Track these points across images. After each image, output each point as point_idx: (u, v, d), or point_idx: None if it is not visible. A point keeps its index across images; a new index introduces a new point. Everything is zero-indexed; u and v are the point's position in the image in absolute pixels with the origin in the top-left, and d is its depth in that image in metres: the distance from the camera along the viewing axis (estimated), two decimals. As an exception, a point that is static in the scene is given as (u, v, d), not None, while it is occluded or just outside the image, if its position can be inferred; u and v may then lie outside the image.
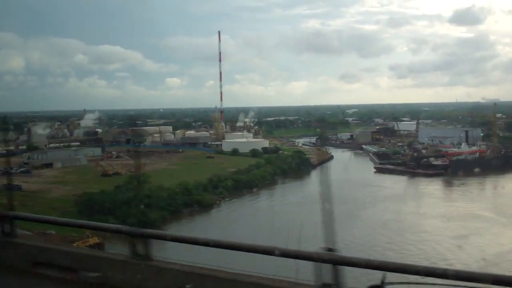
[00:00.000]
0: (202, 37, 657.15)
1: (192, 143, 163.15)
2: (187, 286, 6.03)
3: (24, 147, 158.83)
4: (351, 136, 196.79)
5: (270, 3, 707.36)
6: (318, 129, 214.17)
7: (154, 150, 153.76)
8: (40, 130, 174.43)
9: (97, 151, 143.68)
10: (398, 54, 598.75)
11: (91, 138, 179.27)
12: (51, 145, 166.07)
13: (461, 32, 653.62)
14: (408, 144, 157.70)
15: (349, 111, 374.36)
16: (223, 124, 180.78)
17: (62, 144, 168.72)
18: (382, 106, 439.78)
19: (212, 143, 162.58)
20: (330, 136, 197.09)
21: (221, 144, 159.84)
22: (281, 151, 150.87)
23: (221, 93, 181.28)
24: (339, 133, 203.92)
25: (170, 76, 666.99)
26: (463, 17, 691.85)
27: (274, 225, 64.61)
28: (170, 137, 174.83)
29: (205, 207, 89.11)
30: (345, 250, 5.32)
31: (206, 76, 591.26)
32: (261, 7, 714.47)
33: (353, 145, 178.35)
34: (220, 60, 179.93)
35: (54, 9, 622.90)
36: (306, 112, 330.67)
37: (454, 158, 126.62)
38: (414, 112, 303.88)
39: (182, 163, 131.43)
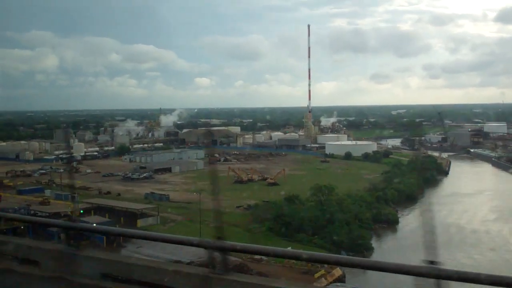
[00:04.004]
0: (233, 37, 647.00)
1: (289, 145, 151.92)
2: None
3: (112, 148, 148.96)
4: (444, 138, 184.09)
5: (297, 2, 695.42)
6: (402, 131, 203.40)
7: (252, 152, 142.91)
8: (121, 131, 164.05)
9: (200, 153, 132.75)
10: (435, 53, 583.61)
11: (172, 139, 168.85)
12: (134, 146, 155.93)
13: (504, 32, 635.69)
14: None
15: (394, 112, 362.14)
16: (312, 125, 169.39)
17: (145, 145, 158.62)
18: (413, 107, 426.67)
19: (311, 145, 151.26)
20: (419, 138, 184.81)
21: (318, 147, 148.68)
22: (391, 155, 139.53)
23: (309, 91, 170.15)
24: (429, 135, 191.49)
25: (201, 76, 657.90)
26: (508, 16, 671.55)
27: None
28: (260, 138, 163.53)
29: (392, 223, 77.46)
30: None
31: (236, 76, 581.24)
32: (288, 6, 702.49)
33: (457, 148, 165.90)
34: (309, 56, 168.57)
35: (91, 7, 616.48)
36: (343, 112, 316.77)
37: None
38: (451, 113, 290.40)
39: (300, 168, 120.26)
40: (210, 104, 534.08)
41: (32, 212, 67.51)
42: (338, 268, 52.98)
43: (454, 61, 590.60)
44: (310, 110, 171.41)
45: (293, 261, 52.19)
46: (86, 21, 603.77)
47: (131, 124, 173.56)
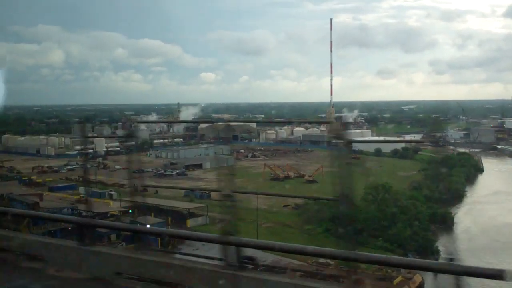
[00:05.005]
0: (238, 32, 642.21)
1: (314, 141, 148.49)
2: None
3: (132, 143, 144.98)
4: (466, 134, 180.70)
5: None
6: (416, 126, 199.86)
7: (277, 148, 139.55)
8: (141, 126, 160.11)
9: (226, 149, 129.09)
10: (441, 49, 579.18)
11: (192, 134, 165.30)
12: (154, 141, 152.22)
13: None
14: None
15: (406, 108, 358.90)
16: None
17: (165, 140, 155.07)
18: (422, 103, 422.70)
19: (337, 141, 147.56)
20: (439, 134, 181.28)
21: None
22: (420, 152, 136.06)
23: (331, 86, 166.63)
24: (448, 131, 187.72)
25: (207, 71, 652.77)
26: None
27: None
28: (283, 134, 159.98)
29: (448, 223, 74.04)
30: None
31: (241, 71, 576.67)
32: (292, 2, 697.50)
33: (481, 144, 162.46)
34: (331, 50, 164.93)
35: (99, 2, 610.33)
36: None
37: None
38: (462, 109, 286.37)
39: (334, 165, 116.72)
40: (214, 99, 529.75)
41: (78, 212, 63.78)
42: (418, 274, 49.71)
43: (461, 57, 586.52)
44: (332, 105, 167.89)
45: (364, 264, 49.06)
46: (93, 15, 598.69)
47: (150, 119, 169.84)
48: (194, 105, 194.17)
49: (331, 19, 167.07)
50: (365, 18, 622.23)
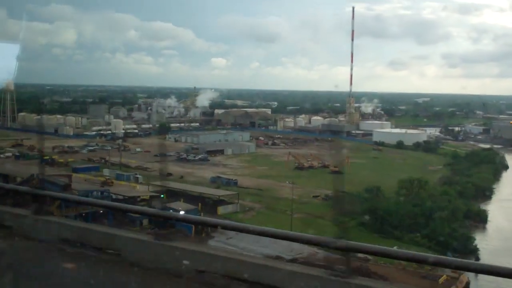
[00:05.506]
0: (251, 17, 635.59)
1: (333, 131, 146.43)
2: None
3: (149, 126, 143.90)
4: (485, 129, 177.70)
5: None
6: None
7: (296, 137, 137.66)
8: (158, 108, 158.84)
9: (246, 136, 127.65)
10: (455, 42, 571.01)
11: (208, 119, 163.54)
12: (171, 124, 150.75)
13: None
14: None
15: (420, 101, 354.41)
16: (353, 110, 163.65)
17: (182, 124, 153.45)
18: (435, 96, 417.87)
19: (357, 132, 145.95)
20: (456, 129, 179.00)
21: (364, 133, 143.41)
22: (442, 146, 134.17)
23: (351, 75, 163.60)
24: (466, 126, 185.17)
25: (218, 56, 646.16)
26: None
27: None
28: (301, 123, 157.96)
29: (482, 220, 72.22)
30: None
31: (252, 57, 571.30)
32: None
33: (502, 140, 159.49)
34: (352, 39, 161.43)
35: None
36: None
37: None
38: (474, 104, 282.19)
39: (356, 155, 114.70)
40: (224, 84, 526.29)
41: (112, 196, 62.40)
42: (464, 274, 48.04)
43: (475, 51, 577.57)
44: (351, 95, 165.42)
45: (404, 262, 47.48)
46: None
47: (168, 102, 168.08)
48: (215, 90, 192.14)
49: (353, 8, 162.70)
50: (379, 8, 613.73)
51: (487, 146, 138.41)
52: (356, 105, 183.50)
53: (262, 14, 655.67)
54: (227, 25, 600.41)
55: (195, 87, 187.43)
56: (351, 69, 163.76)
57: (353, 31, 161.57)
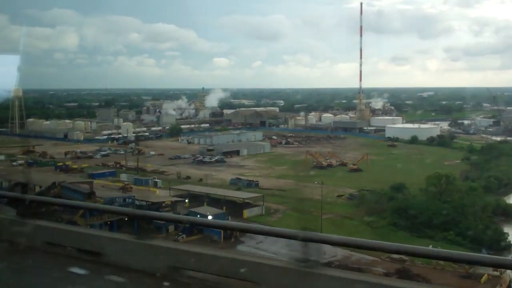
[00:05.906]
0: (252, 16, 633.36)
1: (345, 128, 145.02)
2: None
3: (159, 128, 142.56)
4: (496, 122, 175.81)
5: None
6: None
7: (309, 135, 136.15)
8: (168, 111, 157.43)
9: (258, 135, 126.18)
10: (457, 36, 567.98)
11: (218, 120, 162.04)
12: (181, 126, 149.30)
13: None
14: None
15: (425, 95, 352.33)
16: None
17: (192, 126, 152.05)
18: (439, 89, 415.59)
19: (369, 128, 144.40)
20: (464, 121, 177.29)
21: (376, 129, 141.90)
22: (456, 140, 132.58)
23: (360, 72, 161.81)
24: (474, 119, 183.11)
25: (220, 56, 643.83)
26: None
27: None
28: (312, 120, 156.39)
29: (510, 215, 70.68)
30: None
31: (254, 56, 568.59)
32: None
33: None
34: (361, 35, 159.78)
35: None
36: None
37: None
38: (478, 96, 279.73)
39: (372, 152, 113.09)
40: (227, 84, 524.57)
41: (136, 202, 60.96)
42: (508, 272, 46.60)
43: (476, 44, 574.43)
44: (361, 92, 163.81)
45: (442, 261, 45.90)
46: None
47: (176, 105, 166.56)
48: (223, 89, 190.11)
49: (361, 4, 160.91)
50: (379, 4, 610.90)
51: (500, 138, 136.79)
52: (366, 101, 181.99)
53: (263, 13, 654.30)
54: (229, 25, 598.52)
55: (203, 88, 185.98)
56: (360, 65, 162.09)
57: (361, 27, 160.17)
